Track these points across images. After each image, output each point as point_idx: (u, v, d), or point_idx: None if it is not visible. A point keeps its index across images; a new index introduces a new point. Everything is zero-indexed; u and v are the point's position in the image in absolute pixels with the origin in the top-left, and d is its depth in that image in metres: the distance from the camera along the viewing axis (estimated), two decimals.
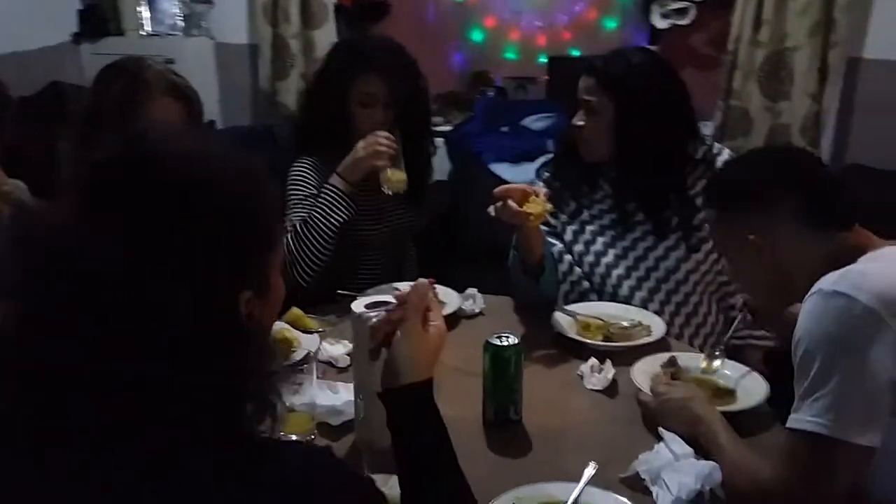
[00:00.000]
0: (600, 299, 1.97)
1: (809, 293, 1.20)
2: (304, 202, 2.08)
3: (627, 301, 1.94)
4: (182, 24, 3.79)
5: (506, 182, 3.16)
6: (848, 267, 1.20)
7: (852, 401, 1.14)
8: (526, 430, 1.44)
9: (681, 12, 3.17)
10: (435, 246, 2.67)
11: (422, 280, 1.12)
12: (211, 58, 3.84)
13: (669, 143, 1.92)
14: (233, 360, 0.81)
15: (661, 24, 3.22)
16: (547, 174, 2.09)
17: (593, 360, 1.62)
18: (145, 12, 3.74)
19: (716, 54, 3.35)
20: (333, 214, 2.00)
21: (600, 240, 1.96)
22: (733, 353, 1.74)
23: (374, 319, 1.19)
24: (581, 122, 1.91)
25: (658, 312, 1.90)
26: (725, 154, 1.98)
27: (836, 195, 1.34)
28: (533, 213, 1.71)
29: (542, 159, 3.26)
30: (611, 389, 1.58)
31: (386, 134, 1.97)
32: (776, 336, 1.72)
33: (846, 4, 3.00)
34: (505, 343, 1.42)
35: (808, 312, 1.19)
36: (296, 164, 2.14)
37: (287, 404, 1.54)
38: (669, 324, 1.86)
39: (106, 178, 0.81)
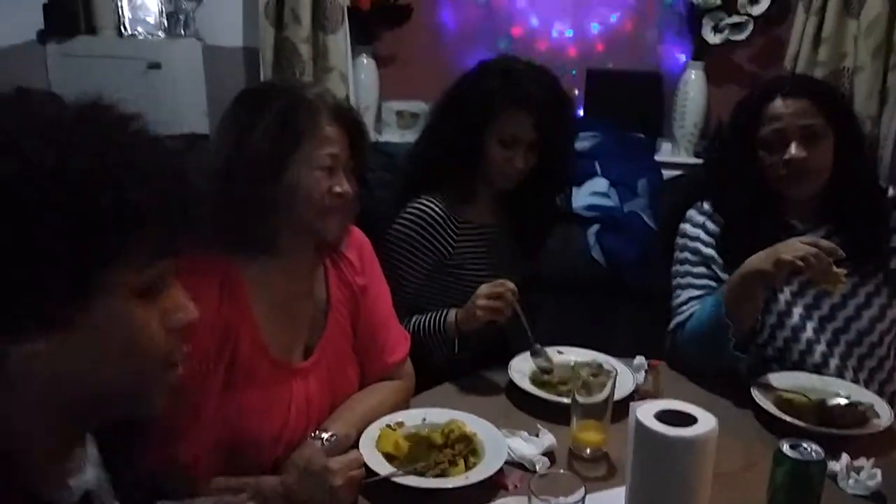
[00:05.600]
0: (782, 368, 1.72)
1: None
2: (417, 267, 1.84)
3: (819, 370, 1.70)
4: (166, 23, 3.32)
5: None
6: None
7: None
8: None
9: (738, 27, 2.97)
10: None
11: None
12: (199, 62, 3.38)
13: (875, 177, 1.79)
14: None
15: (713, 38, 3.01)
16: (712, 226, 1.81)
17: (846, 458, 1.37)
18: (125, 10, 3.25)
19: (763, 72, 3.18)
20: (437, 349, 1.78)
21: (783, 297, 1.72)
22: None
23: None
24: (804, 154, 1.65)
25: (853, 381, 1.68)
26: None
27: None
28: (843, 281, 1.51)
29: (591, 183, 3.04)
30: (877, 494, 1.34)
31: (512, 288, 1.65)
32: None
33: None
34: (808, 458, 1.15)
35: None
36: (421, 206, 1.82)
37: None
38: None
39: None
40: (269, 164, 1.29)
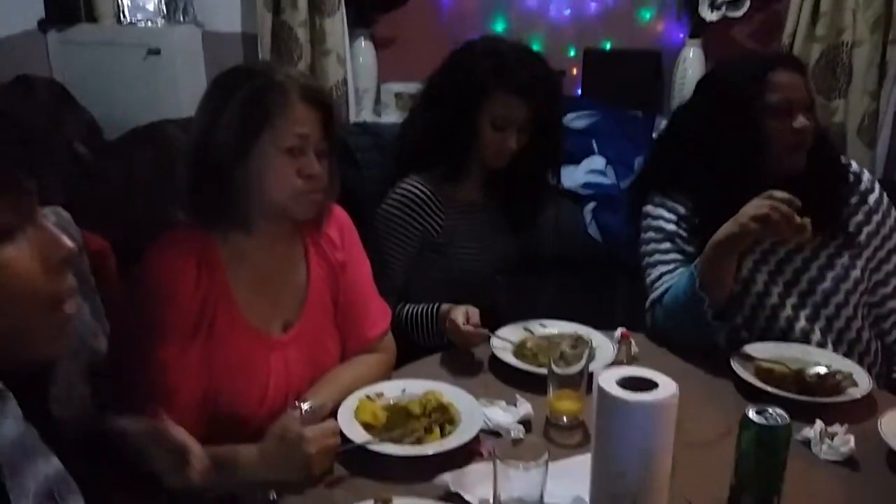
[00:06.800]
0: (752, 335, 1.75)
1: None
2: (405, 247, 1.86)
3: (786, 335, 1.72)
4: (165, 10, 3.35)
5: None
6: None
7: None
8: None
9: (734, 4, 2.96)
10: None
11: None
12: (198, 48, 3.42)
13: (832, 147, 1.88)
14: None
15: (710, 16, 3.00)
16: (672, 204, 1.82)
17: (820, 424, 1.38)
18: None
19: (761, 48, 3.17)
20: (428, 339, 1.80)
21: (746, 266, 1.74)
22: None
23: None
24: (809, 124, 1.68)
25: (821, 344, 1.71)
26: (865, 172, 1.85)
27: None
28: (808, 231, 1.51)
29: (588, 161, 3.04)
30: (850, 460, 1.34)
31: (480, 332, 1.68)
32: None
33: None
34: (773, 423, 1.16)
35: None
36: (408, 188, 1.84)
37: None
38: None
39: None
40: (239, 143, 1.31)
